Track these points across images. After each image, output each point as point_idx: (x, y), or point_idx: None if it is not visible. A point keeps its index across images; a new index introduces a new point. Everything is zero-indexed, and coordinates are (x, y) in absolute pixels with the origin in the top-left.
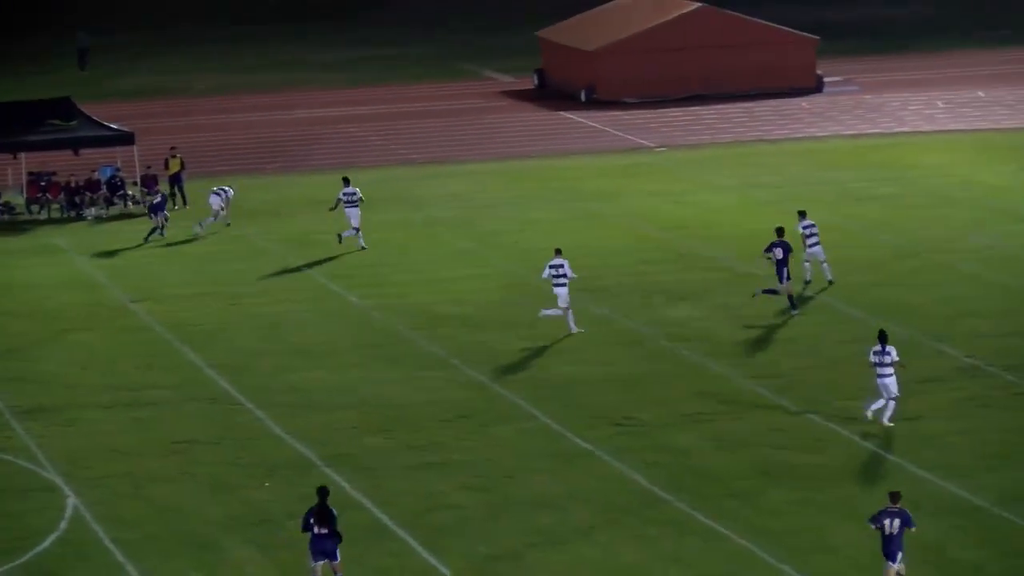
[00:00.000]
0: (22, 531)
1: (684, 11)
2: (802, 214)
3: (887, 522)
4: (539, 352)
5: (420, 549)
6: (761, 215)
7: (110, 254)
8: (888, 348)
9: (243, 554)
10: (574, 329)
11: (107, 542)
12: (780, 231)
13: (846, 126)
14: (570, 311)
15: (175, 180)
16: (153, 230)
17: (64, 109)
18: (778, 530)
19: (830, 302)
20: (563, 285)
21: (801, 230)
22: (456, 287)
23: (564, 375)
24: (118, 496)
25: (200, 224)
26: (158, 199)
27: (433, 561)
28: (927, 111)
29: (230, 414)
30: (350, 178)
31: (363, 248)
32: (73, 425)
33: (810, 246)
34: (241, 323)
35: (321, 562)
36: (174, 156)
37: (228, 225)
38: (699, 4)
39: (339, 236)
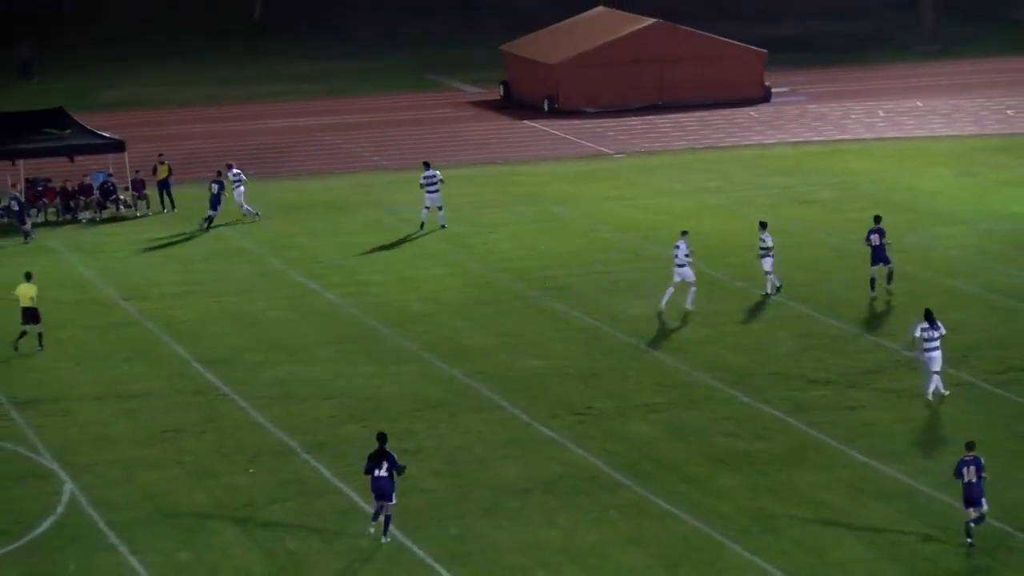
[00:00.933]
0: (21, 515)
1: (640, 26)
2: (763, 225)
3: (965, 470)
4: (505, 347)
5: (394, 531)
6: (712, 217)
7: (102, 255)
8: (937, 323)
9: (228, 536)
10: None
11: (101, 525)
12: (877, 219)
13: (791, 134)
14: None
15: (163, 185)
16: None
17: (58, 119)
18: (728, 512)
19: (777, 299)
20: (684, 265)
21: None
22: (427, 286)
23: (528, 368)
24: (110, 482)
25: (249, 210)
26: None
27: (407, 542)
28: (868, 120)
29: (215, 405)
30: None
31: (443, 227)
32: (68, 415)
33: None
34: (224, 320)
35: (381, 502)
36: (162, 163)
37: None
38: (654, 20)
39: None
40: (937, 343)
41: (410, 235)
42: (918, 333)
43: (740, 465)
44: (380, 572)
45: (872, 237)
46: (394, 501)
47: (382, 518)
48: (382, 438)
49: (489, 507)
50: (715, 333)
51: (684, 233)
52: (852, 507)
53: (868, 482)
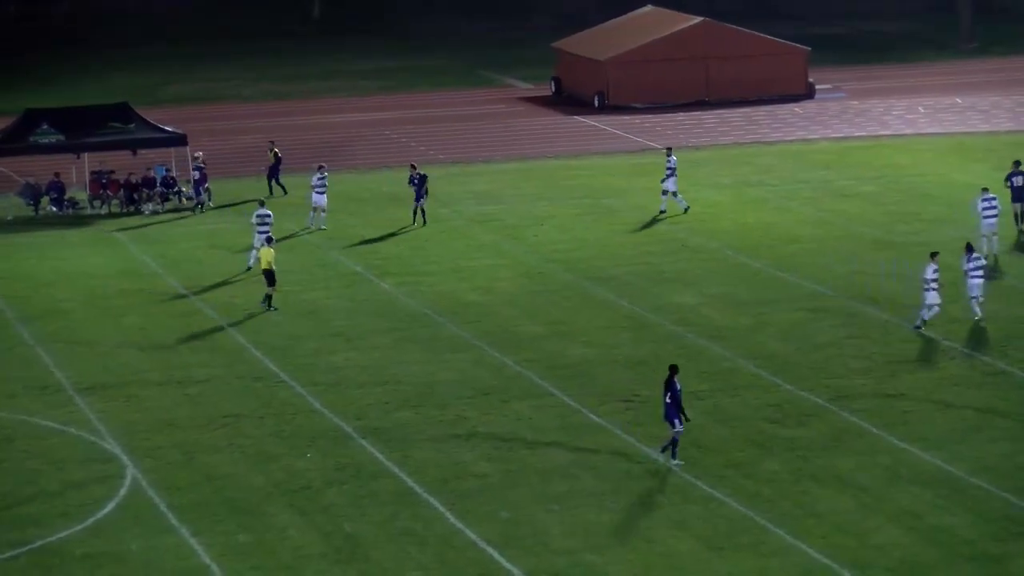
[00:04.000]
0: (85, 498)
1: (687, 25)
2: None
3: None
4: (555, 336)
5: (447, 513)
6: (755, 210)
7: (164, 245)
8: (977, 255)
9: (285, 518)
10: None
11: (162, 507)
12: (1017, 163)
13: (834, 129)
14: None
15: (272, 172)
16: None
17: (122, 113)
18: (771, 497)
19: (817, 290)
20: (931, 289)
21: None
22: (480, 276)
23: (577, 356)
24: (172, 465)
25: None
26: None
27: (459, 524)
28: (909, 116)
29: (273, 391)
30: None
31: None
32: (131, 400)
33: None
34: (283, 308)
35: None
36: (271, 149)
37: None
38: (701, 19)
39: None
40: (982, 271)
41: (464, 227)
42: (968, 264)
43: (782, 451)
44: (434, 554)
45: (1015, 179)
46: (676, 428)
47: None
48: (672, 368)
49: (539, 491)
50: (757, 322)
51: (934, 255)
52: (892, 492)
53: (907, 468)
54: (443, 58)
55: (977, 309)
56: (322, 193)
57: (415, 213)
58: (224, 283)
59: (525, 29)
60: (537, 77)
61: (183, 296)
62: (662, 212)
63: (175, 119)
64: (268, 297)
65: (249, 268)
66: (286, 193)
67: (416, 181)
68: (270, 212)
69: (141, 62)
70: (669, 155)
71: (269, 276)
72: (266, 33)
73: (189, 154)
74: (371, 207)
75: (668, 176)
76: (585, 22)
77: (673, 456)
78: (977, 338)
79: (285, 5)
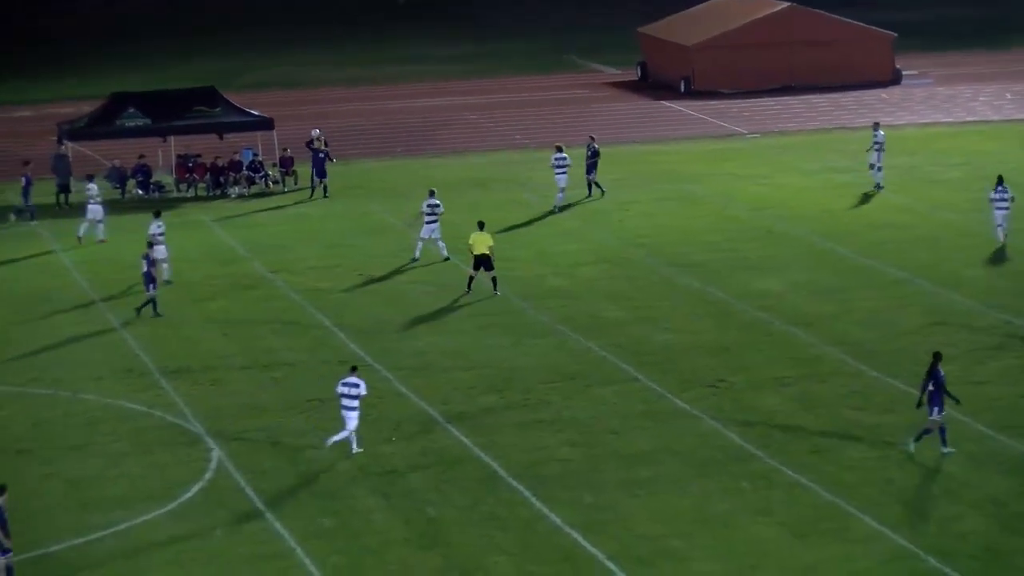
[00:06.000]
0: (169, 480)
1: (774, 10)
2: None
3: None
4: (639, 321)
5: (530, 498)
6: (841, 195)
7: (250, 229)
8: (1006, 187)
9: (369, 503)
10: None
11: (247, 491)
12: None
13: (920, 115)
14: None
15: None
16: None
17: (209, 97)
18: (855, 483)
19: (902, 276)
20: (1004, 208)
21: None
22: (563, 261)
23: (661, 342)
24: (256, 449)
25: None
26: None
27: (543, 510)
28: (996, 102)
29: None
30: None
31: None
32: (216, 384)
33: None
34: (368, 292)
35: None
36: (318, 138)
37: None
38: (787, 3)
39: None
40: (1007, 203)
41: (548, 212)
42: (994, 195)
43: (867, 437)
44: (518, 539)
45: None
46: (935, 416)
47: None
48: (937, 356)
49: (623, 477)
50: (843, 309)
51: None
52: (975, 479)
53: (992, 455)
54: (527, 43)
55: (1000, 235)
56: (562, 174)
57: (590, 185)
58: (308, 267)
59: (613, 15)
60: (623, 62)
61: (269, 280)
62: (879, 187)
63: (258, 104)
64: (493, 280)
65: (415, 259)
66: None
67: (591, 154)
68: (439, 201)
69: (226, 47)
70: (876, 129)
71: (484, 261)
72: (349, 18)
73: (275, 138)
74: (455, 192)
75: (875, 150)
76: (671, 6)
77: (924, 440)
78: None
79: None
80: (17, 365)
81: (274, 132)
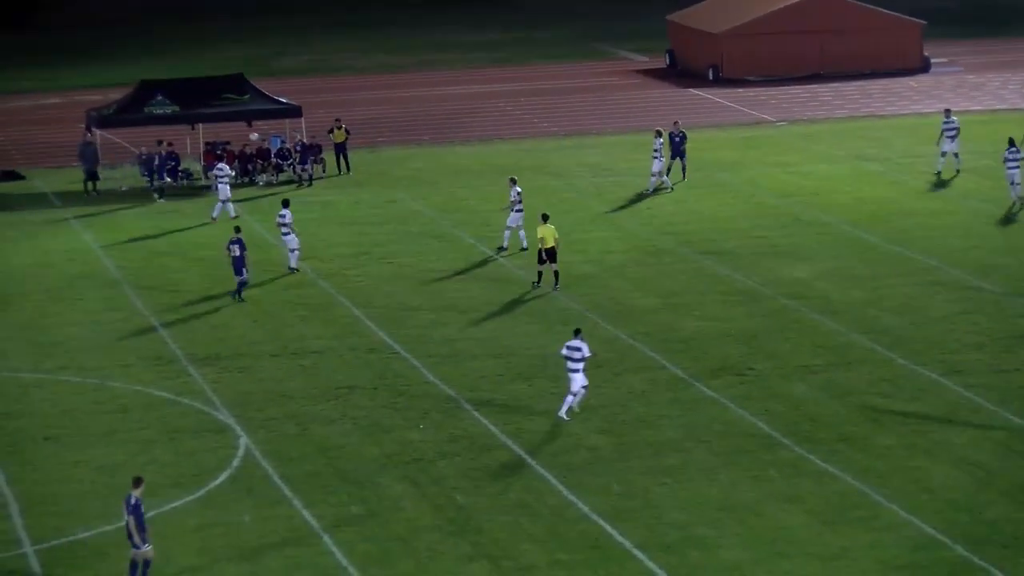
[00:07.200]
0: (198, 468)
1: None
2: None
3: None
4: (667, 308)
5: (559, 486)
6: (870, 184)
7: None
8: (1016, 148)
9: (398, 490)
10: None
11: (275, 478)
12: None
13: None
14: None
15: (340, 149)
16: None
17: (237, 84)
18: (884, 471)
19: (931, 264)
20: (1016, 167)
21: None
22: (592, 248)
23: (690, 329)
24: (285, 436)
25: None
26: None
27: (571, 497)
28: None
29: (387, 362)
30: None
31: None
32: (244, 372)
33: None
34: (396, 280)
35: None
36: (339, 127)
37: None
38: None
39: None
40: (1018, 162)
41: (575, 199)
42: (1006, 154)
43: (896, 425)
44: (546, 527)
45: None
46: None
47: None
48: None
49: (651, 464)
50: (872, 296)
51: None
52: (1005, 468)
53: (1022, 444)
54: (556, 31)
55: (1014, 193)
56: (656, 159)
57: (683, 170)
58: (337, 255)
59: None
60: (651, 50)
61: (296, 268)
62: (957, 172)
63: (287, 90)
64: (555, 274)
65: (503, 248)
66: (350, 172)
67: (679, 139)
68: (522, 189)
69: (254, 33)
70: (948, 116)
71: (550, 253)
72: (378, 5)
73: (303, 126)
74: (484, 179)
75: (949, 137)
76: None
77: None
78: None
79: None
80: (46, 352)
81: (302, 119)
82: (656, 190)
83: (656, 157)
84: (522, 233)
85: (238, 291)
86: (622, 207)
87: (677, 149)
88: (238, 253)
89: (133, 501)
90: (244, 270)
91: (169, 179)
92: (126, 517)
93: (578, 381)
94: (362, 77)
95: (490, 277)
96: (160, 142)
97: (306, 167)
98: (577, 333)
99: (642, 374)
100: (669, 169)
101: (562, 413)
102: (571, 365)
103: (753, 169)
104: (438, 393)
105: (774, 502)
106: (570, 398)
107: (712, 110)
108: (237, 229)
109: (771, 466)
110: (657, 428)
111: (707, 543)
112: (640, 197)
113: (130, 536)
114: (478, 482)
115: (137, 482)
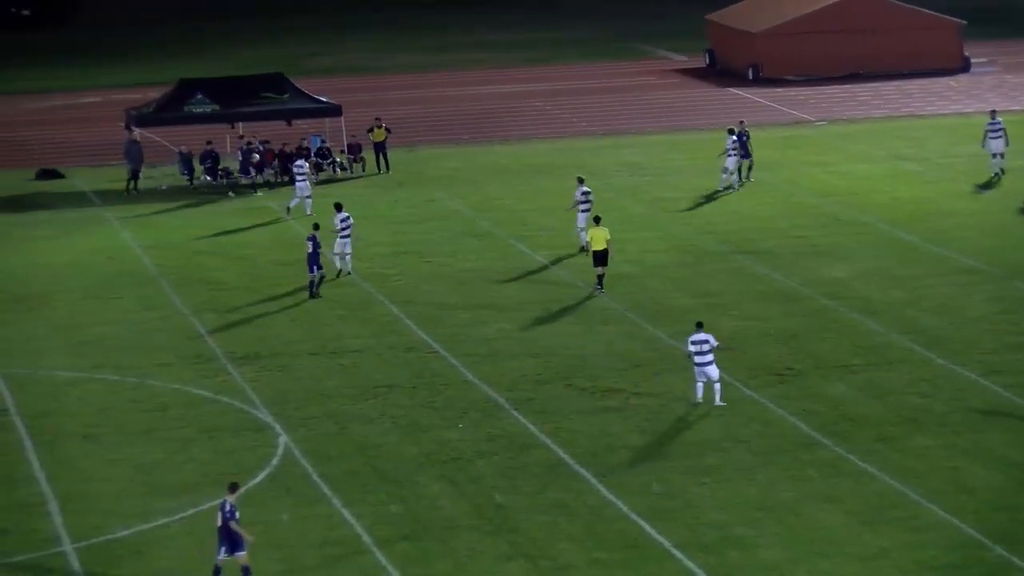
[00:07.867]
0: (237, 466)
1: None
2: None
3: None
4: (707, 308)
5: (597, 485)
6: (908, 184)
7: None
8: (997, 120)
9: (436, 489)
10: None
11: (314, 477)
12: None
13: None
14: None
15: (379, 148)
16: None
17: (277, 83)
18: (923, 472)
19: (970, 264)
20: (998, 136)
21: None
22: (631, 248)
23: (729, 329)
24: (324, 435)
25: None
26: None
27: (609, 496)
28: None
29: (425, 361)
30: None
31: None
32: (283, 371)
33: None
34: (435, 279)
35: None
36: (379, 126)
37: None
38: None
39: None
40: (1000, 132)
41: (613, 199)
42: (987, 127)
43: (934, 426)
44: (584, 526)
45: None
46: None
47: None
48: None
49: (690, 464)
50: (911, 296)
51: None
52: None
53: None
54: (595, 30)
55: (993, 164)
56: (732, 156)
57: (749, 170)
58: (376, 254)
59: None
60: (690, 49)
61: (335, 266)
62: (1001, 172)
63: (322, 89)
64: (600, 278)
65: (583, 249)
66: (390, 171)
67: (743, 139)
68: (590, 188)
69: (288, 33)
70: (994, 117)
71: (601, 256)
72: (410, 4)
73: (343, 124)
74: (519, 179)
75: (993, 138)
76: None
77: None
78: None
79: None
80: (84, 350)
81: (342, 118)
82: (727, 188)
83: (730, 155)
84: (583, 234)
85: (316, 287)
86: (659, 207)
87: (743, 148)
88: (311, 250)
89: (228, 507)
90: (315, 267)
91: (208, 178)
92: (219, 523)
93: (714, 372)
94: (396, 77)
95: (529, 277)
96: (209, 142)
97: (355, 158)
98: (700, 326)
99: (681, 374)
100: (742, 168)
101: (718, 401)
102: (700, 359)
103: (792, 169)
104: (477, 392)
105: (813, 502)
106: (717, 386)
107: (752, 109)
108: (316, 227)
109: (810, 466)
110: (696, 428)
111: (746, 543)
112: (674, 197)
113: (221, 543)
114: (516, 481)
115: (233, 487)
